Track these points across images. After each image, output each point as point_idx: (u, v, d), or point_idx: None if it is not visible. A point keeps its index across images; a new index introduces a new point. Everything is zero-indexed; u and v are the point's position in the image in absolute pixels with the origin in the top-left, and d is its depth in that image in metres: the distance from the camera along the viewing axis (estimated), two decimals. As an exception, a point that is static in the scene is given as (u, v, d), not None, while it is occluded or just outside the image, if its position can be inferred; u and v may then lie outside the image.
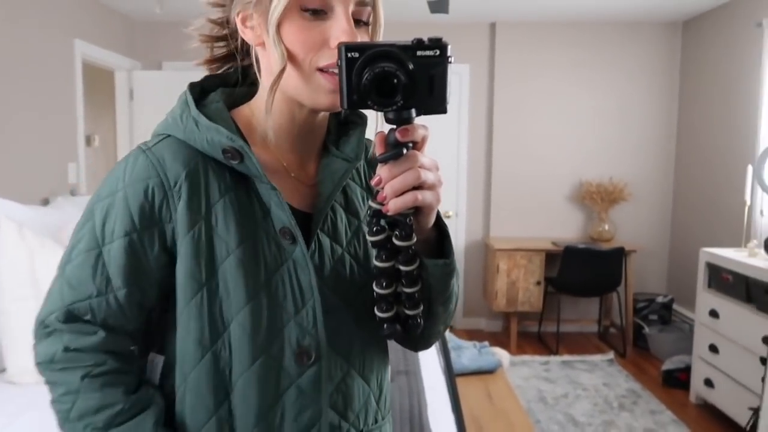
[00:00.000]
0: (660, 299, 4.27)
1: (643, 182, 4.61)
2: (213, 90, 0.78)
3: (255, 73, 0.77)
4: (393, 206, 0.64)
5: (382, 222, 0.67)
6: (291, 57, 0.69)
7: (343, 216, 0.78)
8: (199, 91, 0.77)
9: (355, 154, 0.79)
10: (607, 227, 4.48)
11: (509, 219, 4.69)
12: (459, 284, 0.79)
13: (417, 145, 0.65)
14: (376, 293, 0.70)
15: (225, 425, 0.72)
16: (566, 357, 4.09)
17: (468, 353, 2.60)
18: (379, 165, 0.65)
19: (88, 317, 0.71)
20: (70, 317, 0.71)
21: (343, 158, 0.79)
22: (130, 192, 0.70)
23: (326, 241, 0.76)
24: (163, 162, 0.70)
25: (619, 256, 4.09)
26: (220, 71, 0.82)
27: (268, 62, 0.73)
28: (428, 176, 0.64)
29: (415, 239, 0.67)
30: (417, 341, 0.82)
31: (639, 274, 4.51)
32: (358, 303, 0.76)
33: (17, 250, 1.85)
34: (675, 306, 4.28)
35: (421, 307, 0.71)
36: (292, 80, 0.71)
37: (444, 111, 0.63)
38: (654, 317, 4.26)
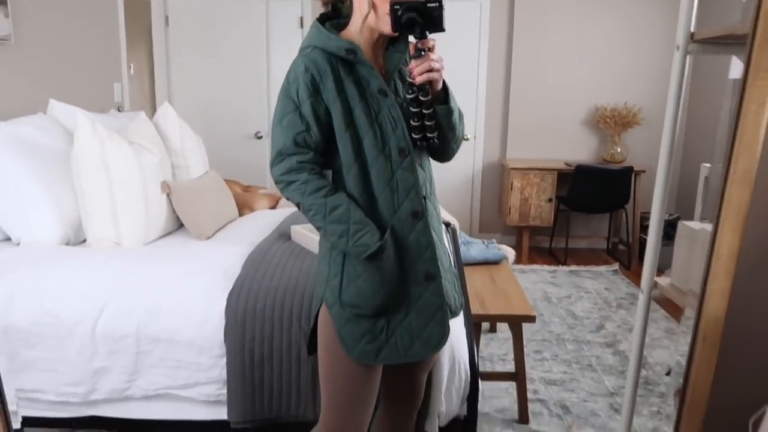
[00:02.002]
0: (666, 217, 4.51)
1: (657, 106, 4.76)
2: (326, 21, 1.38)
3: (348, 10, 1.38)
4: (418, 79, 1.26)
5: (414, 88, 1.28)
6: (373, 5, 1.28)
7: (399, 83, 1.39)
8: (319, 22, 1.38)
9: (403, 47, 1.39)
10: (619, 150, 4.68)
11: (525, 142, 4.91)
12: (462, 126, 1.41)
13: (430, 49, 1.26)
14: (411, 125, 1.33)
15: (369, 192, 1.33)
16: (573, 267, 4.40)
17: (476, 247, 2.90)
18: (411, 59, 1.27)
19: (302, 144, 1.30)
20: (295, 144, 1.30)
21: (397, 51, 1.38)
22: (303, 78, 1.28)
23: (392, 95, 1.34)
24: (315, 61, 1.29)
25: (627, 174, 4.31)
26: (328, 4, 1.41)
27: (359, 6, 1.31)
28: (435, 64, 1.26)
29: (431, 96, 1.29)
30: (441, 155, 1.45)
31: (648, 193, 4.72)
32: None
33: (91, 139, 2.17)
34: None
35: (436, 133, 1.35)
36: (372, 17, 1.30)
37: (443, 30, 1.24)
38: (660, 234, 4.50)
